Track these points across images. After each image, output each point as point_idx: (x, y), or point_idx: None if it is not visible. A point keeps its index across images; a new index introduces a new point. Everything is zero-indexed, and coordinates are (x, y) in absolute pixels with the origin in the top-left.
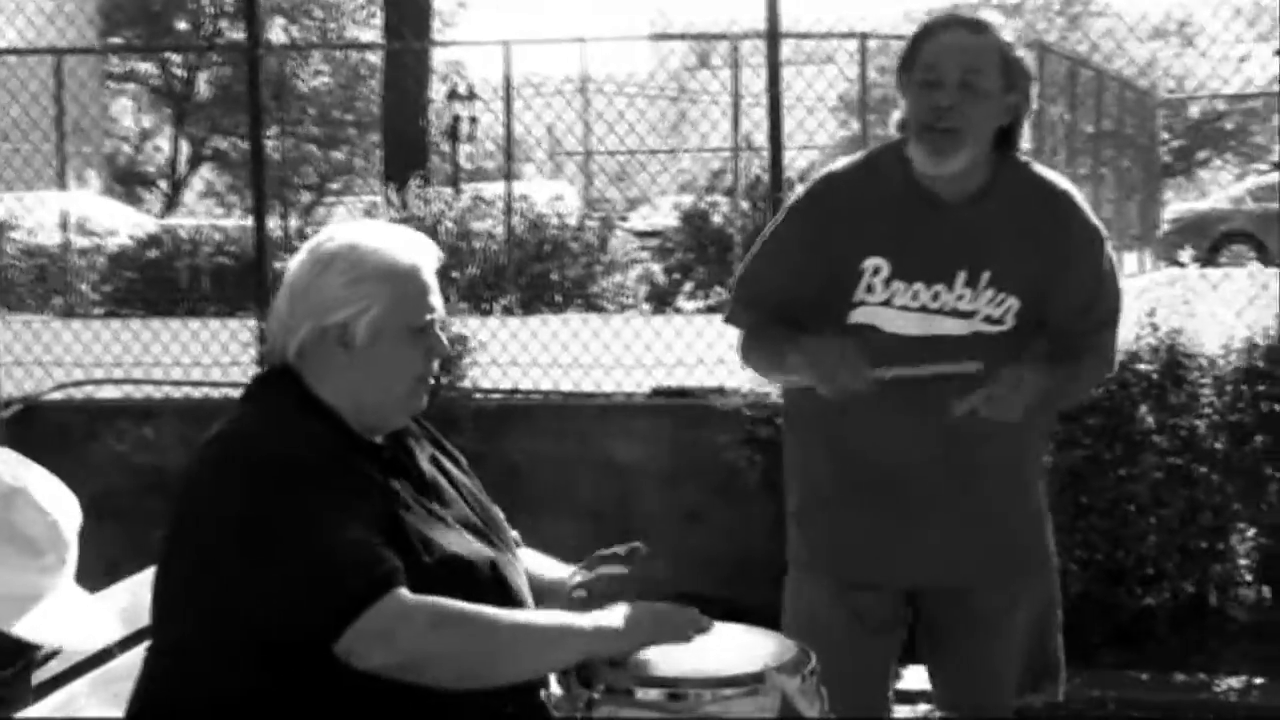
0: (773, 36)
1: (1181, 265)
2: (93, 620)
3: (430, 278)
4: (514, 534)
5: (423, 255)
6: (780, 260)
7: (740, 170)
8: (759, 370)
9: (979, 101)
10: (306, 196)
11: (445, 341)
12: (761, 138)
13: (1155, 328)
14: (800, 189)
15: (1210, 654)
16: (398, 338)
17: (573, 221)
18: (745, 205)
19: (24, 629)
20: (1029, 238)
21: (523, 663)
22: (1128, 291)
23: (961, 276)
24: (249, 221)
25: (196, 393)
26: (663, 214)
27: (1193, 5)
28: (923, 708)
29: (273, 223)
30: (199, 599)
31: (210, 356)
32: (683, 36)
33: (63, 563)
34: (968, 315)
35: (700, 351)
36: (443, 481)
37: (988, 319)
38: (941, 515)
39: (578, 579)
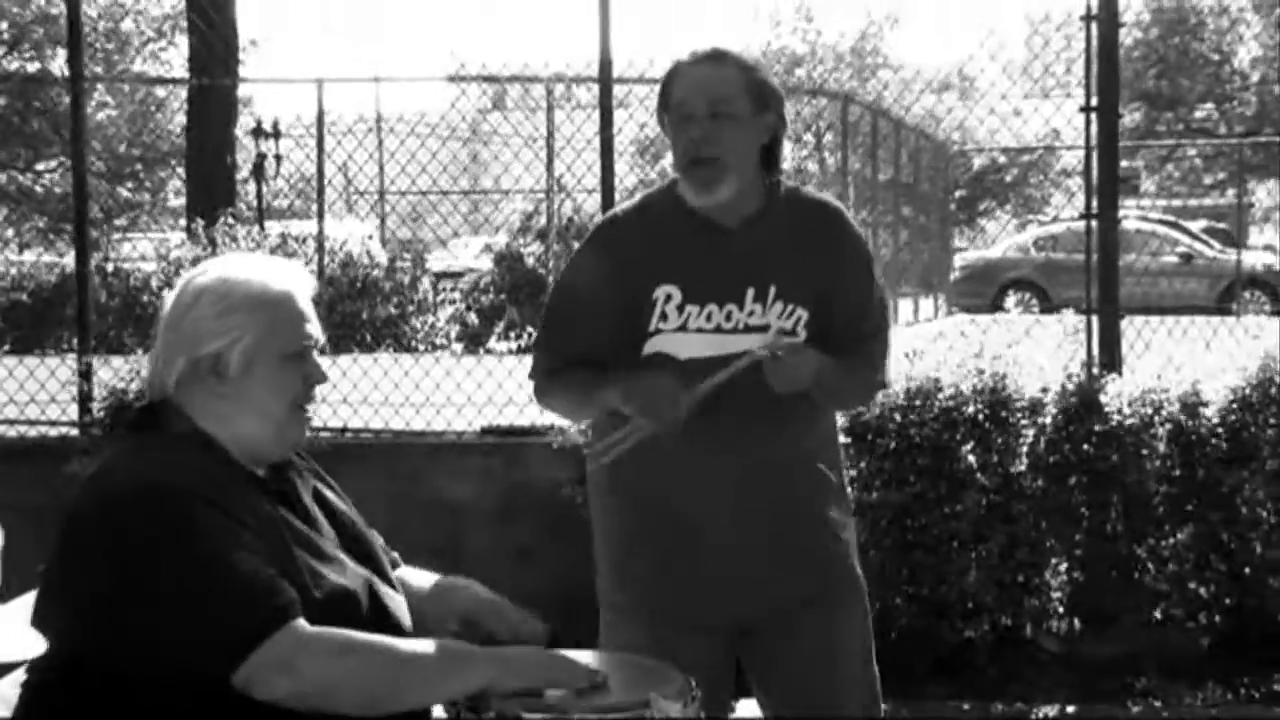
0: (605, 81)
1: (979, 311)
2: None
3: (305, 304)
4: (393, 555)
5: (295, 283)
6: (577, 302)
7: (554, 212)
8: (562, 411)
9: (730, 127)
10: (96, 233)
11: (323, 368)
12: (581, 179)
13: (980, 370)
14: (585, 237)
15: (1026, 683)
16: (272, 365)
17: (383, 261)
18: (558, 247)
19: None
20: (808, 251)
21: (424, 689)
22: (922, 336)
23: (750, 293)
24: (43, 256)
25: (11, 431)
26: (465, 256)
27: (981, 61)
28: None
29: (63, 258)
30: (89, 635)
31: (26, 394)
32: (513, 79)
33: None
34: (762, 329)
35: (527, 391)
36: (322, 512)
37: (780, 331)
38: (752, 549)
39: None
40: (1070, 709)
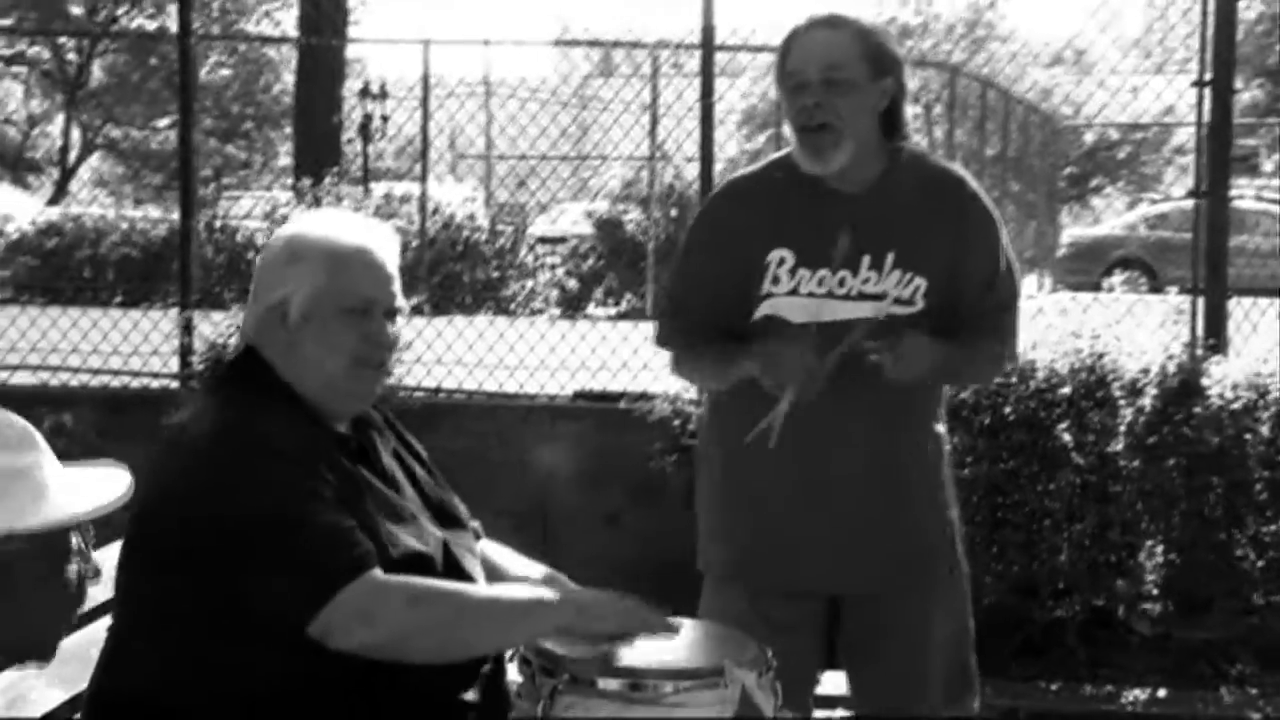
0: (707, 47)
1: (1085, 289)
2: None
3: (376, 263)
4: (475, 524)
5: (372, 240)
6: (697, 267)
7: (655, 179)
8: (697, 381)
9: (845, 94)
10: (205, 190)
11: (390, 330)
12: (685, 146)
13: (1079, 349)
14: (706, 201)
15: (1117, 665)
16: (328, 318)
17: (485, 224)
18: (658, 214)
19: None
20: (929, 219)
21: (498, 635)
22: (1027, 313)
23: (866, 260)
24: (153, 211)
25: (115, 381)
26: (567, 221)
27: (1091, 34)
28: (839, 713)
29: (172, 214)
30: (172, 582)
31: (129, 345)
32: (617, 44)
33: (37, 448)
34: (878, 298)
35: (622, 356)
36: (403, 474)
37: (897, 300)
38: (851, 522)
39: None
40: (1161, 693)
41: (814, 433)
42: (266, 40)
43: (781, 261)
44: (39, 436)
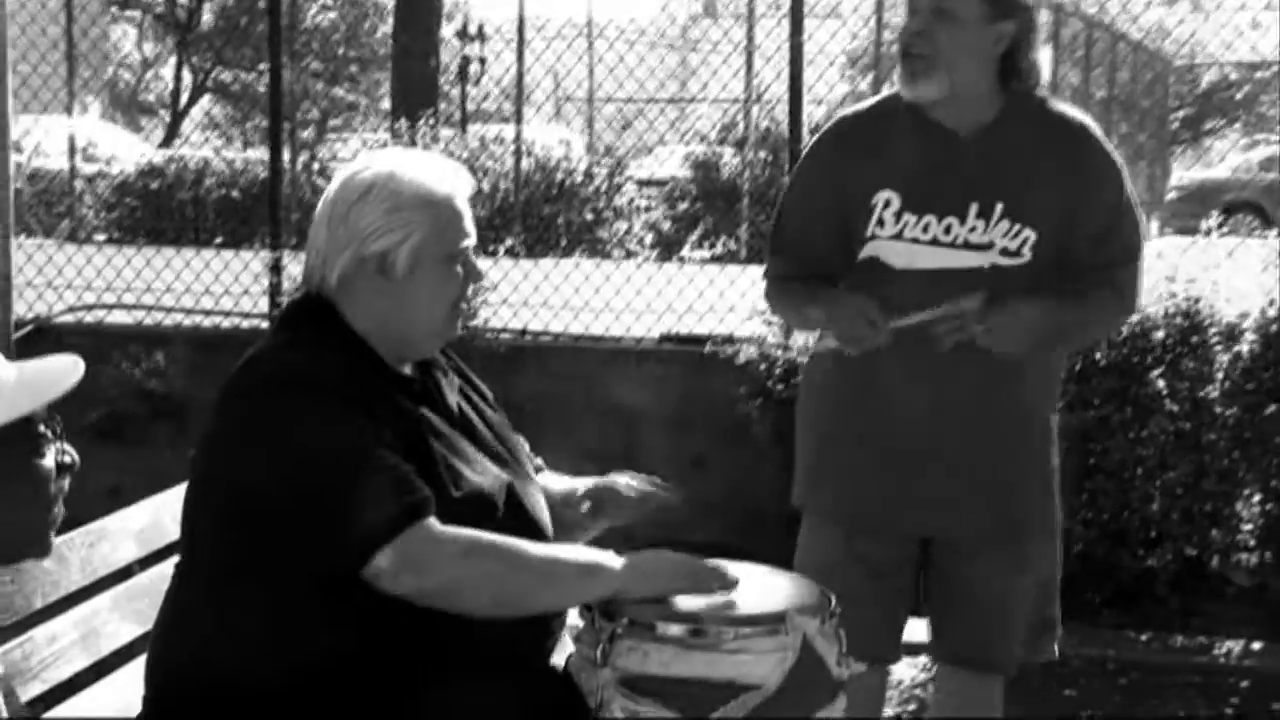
0: None
1: (1194, 233)
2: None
3: (464, 204)
4: (538, 461)
5: (458, 182)
6: (801, 204)
7: (752, 122)
8: (785, 320)
9: (951, 28)
10: (307, 132)
11: (480, 267)
12: (774, 90)
13: (1174, 294)
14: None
15: (1209, 617)
16: (437, 265)
17: (581, 166)
18: (754, 156)
19: None
20: (1044, 168)
21: (552, 595)
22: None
23: (974, 208)
24: (253, 153)
25: (207, 321)
26: (668, 164)
27: None
28: (923, 659)
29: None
30: (230, 521)
31: (221, 286)
32: None
33: None
34: (983, 248)
35: (709, 300)
36: (470, 414)
37: (1004, 251)
38: (951, 468)
39: (584, 487)
40: (1256, 645)
41: (917, 377)
42: None
43: (887, 204)
44: None
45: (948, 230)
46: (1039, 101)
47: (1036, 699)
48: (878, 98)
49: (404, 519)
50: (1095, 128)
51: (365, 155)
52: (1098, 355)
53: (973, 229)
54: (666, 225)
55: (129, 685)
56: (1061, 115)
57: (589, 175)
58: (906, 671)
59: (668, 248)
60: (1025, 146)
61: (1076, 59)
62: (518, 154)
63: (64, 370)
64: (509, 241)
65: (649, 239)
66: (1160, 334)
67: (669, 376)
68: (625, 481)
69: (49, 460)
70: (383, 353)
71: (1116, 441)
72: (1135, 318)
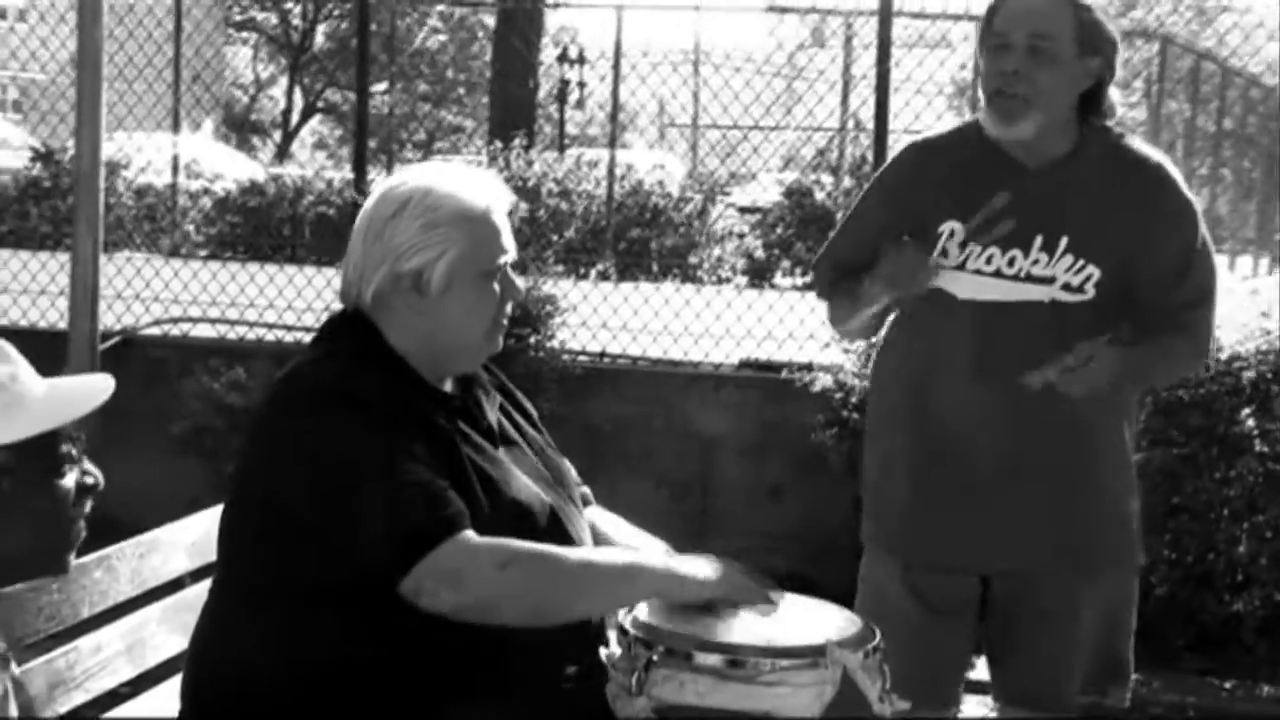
0: (884, 13)
1: None
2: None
3: (502, 219)
4: (584, 490)
5: (495, 197)
6: (863, 227)
7: (846, 149)
8: (844, 324)
9: (1047, 67)
10: (413, 154)
11: (519, 284)
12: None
13: (1267, 331)
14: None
15: None
16: (473, 282)
17: (675, 191)
18: (848, 183)
19: None
20: (1113, 206)
21: (591, 600)
22: (1236, 292)
23: (1038, 241)
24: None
25: (289, 337)
26: (767, 190)
27: None
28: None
29: (378, 177)
30: (264, 536)
31: (303, 302)
32: (793, 10)
33: (11, 361)
34: (1045, 281)
35: (791, 326)
36: (511, 432)
37: (1066, 286)
38: (1011, 499)
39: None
40: None
41: (983, 409)
42: (462, 3)
43: (952, 234)
44: (11, 349)
45: (1011, 263)
46: (1115, 138)
47: None
48: (952, 125)
49: (439, 534)
50: (1171, 168)
51: (403, 170)
52: (1182, 392)
53: (1035, 261)
54: (760, 252)
55: (173, 698)
56: (1137, 154)
57: (683, 200)
58: (975, 711)
59: (760, 274)
60: (1096, 183)
61: (1186, 93)
62: (610, 177)
63: (93, 388)
64: (601, 265)
65: (741, 265)
66: (1251, 373)
67: (747, 403)
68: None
69: (69, 480)
70: (421, 369)
71: (1203, 482)
72: (1224, 354)
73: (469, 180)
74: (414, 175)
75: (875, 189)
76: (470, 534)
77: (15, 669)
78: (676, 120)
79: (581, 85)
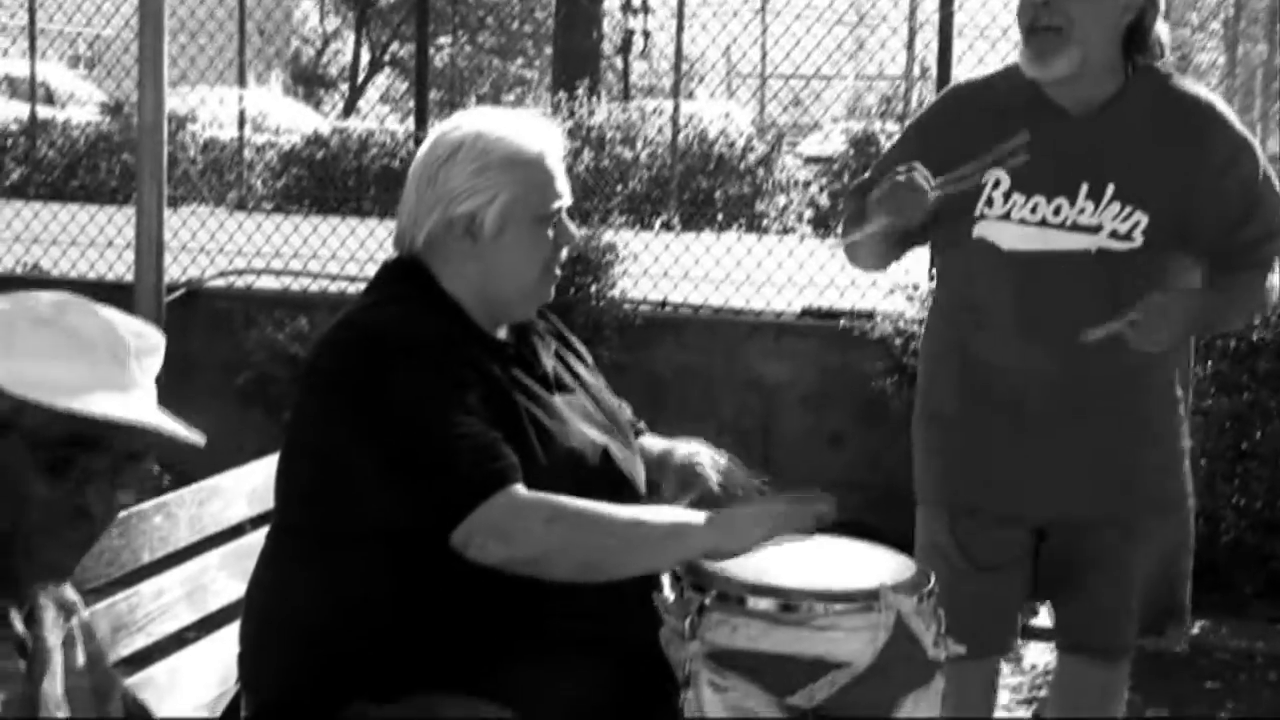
0: None
1: None
2: (149, 413)
3: (557, 164)
4: (640, 424)
5: (548, 142)
6: (898, 162)
7: (912, 97)
8: (857, 254)
9: None
10: (478, 107)
11: (573, 230)
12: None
13: None
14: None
15: None
16: (526, 226)
17: (740, 141)
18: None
19: (74, 405)
20: (1160, 149)
21: (639, 558)
22: None
23: (1084, 189)
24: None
25: (353, 289)
26: (829, 139)
27: None
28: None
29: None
30: (318, 482)
31: (366, 253)
32: None
33: (120, 362)
34: (1092, 230)
35: (854, 274)
36: (566, 377)
37: (1113, 234)
38: (1058, 445)
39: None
40: None
41: (1030, 356)
42: None
43: (997, 183)
44: (130, 350)
45: (1057, 211)
46: (1163, 78)
47: (1179, 692)
48: (996, 70)
49: (489, 486)
50: (1223, 106)
51: (458, 115)
52: (1254, 336)
53: (1081, 210)
54: (825, 201)
55: (233, 642)
56: (1185, 94)
57: (748, 149)
58: (1041, 656)
59: (825, 224)
60: (1143, 126)
61: (1264, 33)
62: (675, 126)
63: (178, 430)
64: (665, 215)
65: (807, 215)
66: None
67: (808, 351)
68: (710, 456)
69: (125, 498)
70: (475, 315)
71: (1272, 426)
72: None
73: (522, 125)
74: (467, 120)
75: (913, 131)
76: (520, 488)
77: (84, 613)
78: (741, 69)
79: (646, 35)
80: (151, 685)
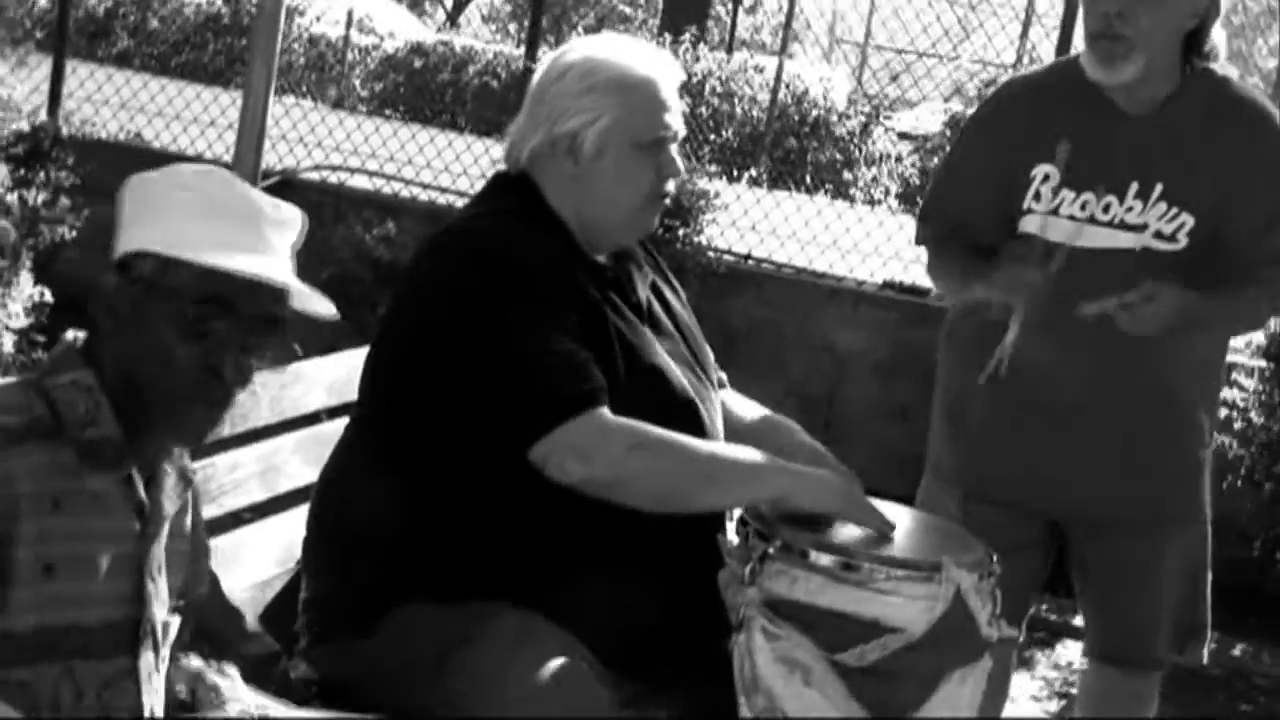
0: None
1: None
2: (286, 275)
3: (668, 95)
4: (721, 375)
5: (661, 71)
6: (962, 170)
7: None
8: (943, 290)
9: (1151, 7)
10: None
11: (679, 162)
12: (1046, 50)
13: None
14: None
15: None
16: (626, 152)
17: (839, 106)
18: None
19: (216, 260)
20: (1209, 152)
21: (714, 493)
22: None
23: (1133, 188)
24: (520, 50)
25: (442, 199)
26: (922, 120)
27: None
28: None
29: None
30: (408, 380)
31: (460, 166)
32: None
33: (257, 229)
34: (1138, 229)
35: None
36: (659, 311)
37: (1158, 235)
38: (1079, 442)
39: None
40: None
41: (1055, 349)
42: None
43: (1046, 178)
44: (266, 218)
45: (1106, 209)
46: (1218, 81)
47: (1211, 713)
48: (1052, 64)
49: (576, 406)
50: (1273, 111)
51: (576, 39)
52: None
53: (1129, 209)
54: (915, 179)
55: (299, 525)
56: (1238, 97)
57: (845, 116)
58: (1077, 654)
59: (912, 200)
60: (1194, 128)
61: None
62: (776, 84)
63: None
64: (754, 170)
65: (895, 189)
66: None
67: (885, 322)
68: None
69: (248, 368)
70: (577, 236)
71: None
72: None
73: (636, 51)
74: (584, 43)
75: (972, 129)
76: (605, 411)
77: (195, 479)
78: (847, 37)
79: None
80: (217, 554)
